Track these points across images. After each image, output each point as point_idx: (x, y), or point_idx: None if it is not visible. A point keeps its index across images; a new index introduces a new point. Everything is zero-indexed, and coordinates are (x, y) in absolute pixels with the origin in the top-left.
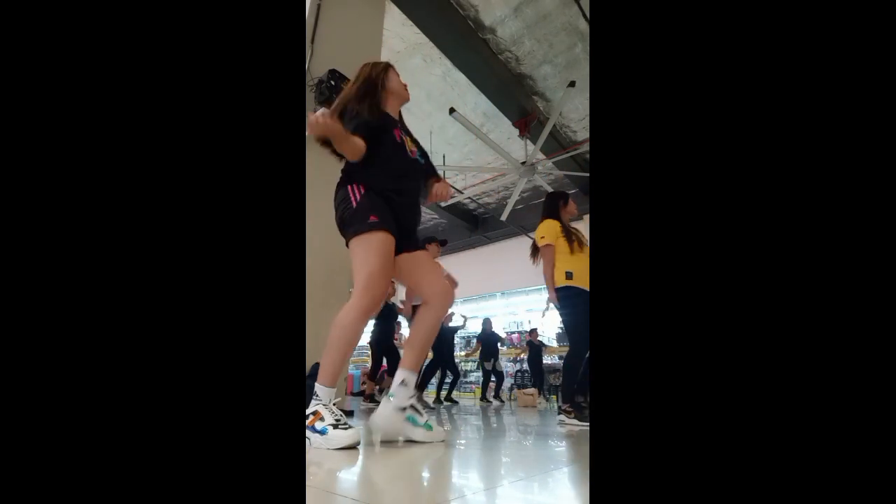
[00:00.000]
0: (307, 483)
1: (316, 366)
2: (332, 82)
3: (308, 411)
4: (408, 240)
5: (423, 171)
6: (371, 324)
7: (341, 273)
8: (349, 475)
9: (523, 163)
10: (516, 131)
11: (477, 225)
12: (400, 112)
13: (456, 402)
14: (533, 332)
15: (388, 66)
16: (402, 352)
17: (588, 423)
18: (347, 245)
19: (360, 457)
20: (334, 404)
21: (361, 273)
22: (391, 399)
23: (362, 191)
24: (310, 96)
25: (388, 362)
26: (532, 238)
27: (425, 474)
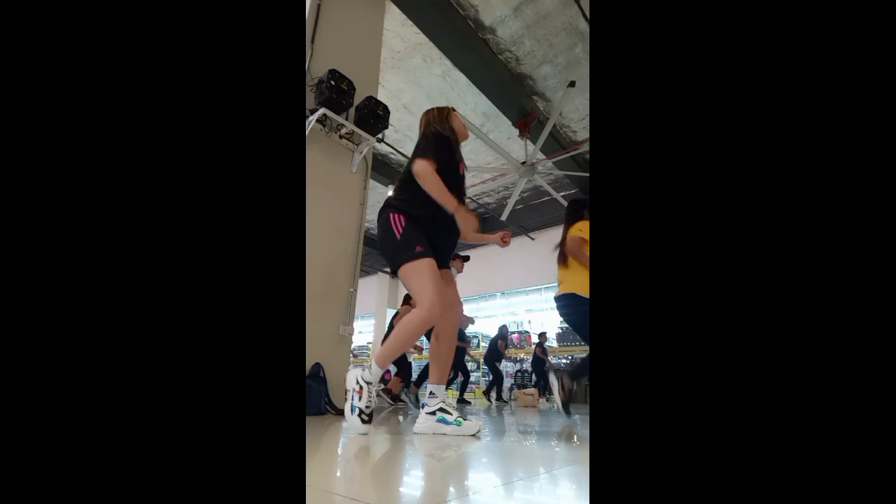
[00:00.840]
0: (307, 483)
1: (316, 366)
2: (332, 82)
3: (434, 408)
4: (442, 257)
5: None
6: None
7: (341, 273)
8: (350, 475)
9: (523, 163)
10: (516, 131)
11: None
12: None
13: (469, 403)
14: (542, 335)
15: (452, 110)
16: (409, 356)
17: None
18: (395, 271)
19: (361, 456)
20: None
21: (423, 297)
22: (423, 408)
23: (403, 221)
24: (310, 96)
25: (398, 367)
26: (533, 238)
27: (425, 474)
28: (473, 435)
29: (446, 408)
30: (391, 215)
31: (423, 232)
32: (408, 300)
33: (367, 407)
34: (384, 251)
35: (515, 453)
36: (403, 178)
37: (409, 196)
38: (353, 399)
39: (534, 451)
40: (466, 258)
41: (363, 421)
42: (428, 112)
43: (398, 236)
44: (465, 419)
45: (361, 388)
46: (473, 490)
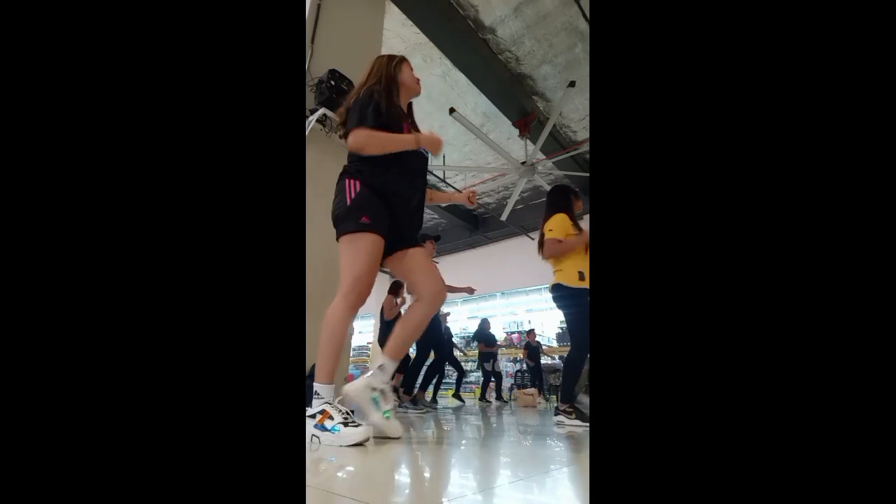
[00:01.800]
0: (307, 483)
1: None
2: (332, 82)
3: (314, 411)
4: (406, 239)
5: (426, 164)
6: (379, 327)
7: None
8: (349, 475)
9: (523, 163)
10: (516, 131)
11: (477, 225)
12: (410, 105)
13: (463, 402)
14: (530, 333)
15: (402, 60)
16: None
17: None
18: (337, 239)
19: (361, 457)
20: (338, 401)
21: (348, 272)
22: (367, 376)
23: (358, 187)
24: (310, 96)
25: (399, 366)
26: (533, 238)
27: (425, 474)
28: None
29: (387, 393)
30: (347, 181)
31: (378, 203)
32: (394, 288)
33: (345, 418)
34: (333, 217)
35: (515, 453)
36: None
37: (362, 164)
38: (324, 427)
39: (533, 451)
40: (437, 238)
41: (356, 425)
42: (376, 60)
43: (348, 202)
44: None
45: (323, 411)
46: (473, 490)
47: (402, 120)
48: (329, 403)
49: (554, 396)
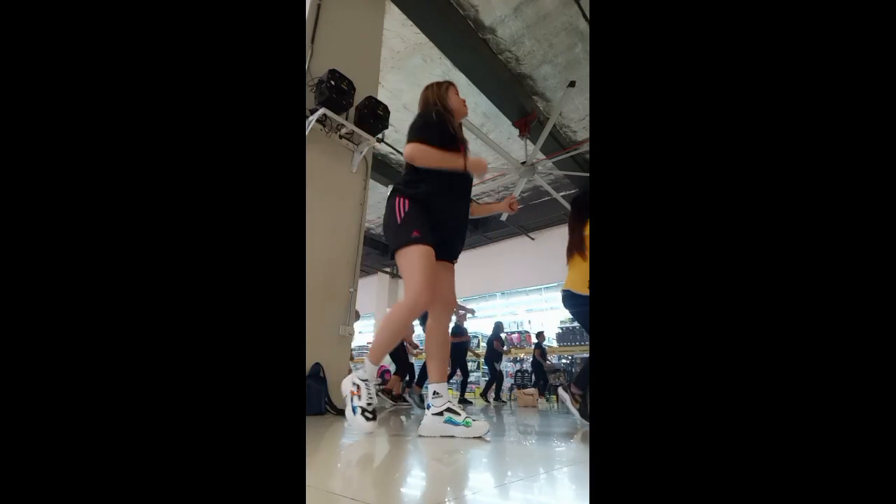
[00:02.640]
0: (307, 483)
1: (316, 366)
2: (332, 82)
3: (356, 381)
4: (447, 252)
5: (471, 184)
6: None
7: (341, 273)
8: (349, 475)
9: (523, 163)
10: (516, 131)
11: (477, 225)
12: (460, 125)
13: (470, 403)
14: (540, 334)
15: (450, 85)
16: (410, 357)
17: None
18: (391, 256)
19: (362, 456)
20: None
21: (411, 283)
22: (428, 409)
23: (407, 205)
24: (310, 96)
25: (397, 366)
26: (533, 238)
27: (425, 474)
28: (482, 437)
29: (454, 408)
30: (397, 199)
31: (426, 218)
32: None
33: (368, 404)
34: (386, 235)
35: (515, 453)
36: (406, 163)
37: (411, 178)
38: (352, 400)
39: (534, 451)
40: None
41: (367, 419)
42: (426, 89)
43: (399, 220)
44: (473, 419)
45: (358, 387)
46: (473, 490)
47: (459, 143)
48: (365, 381)
49: (554, 396)
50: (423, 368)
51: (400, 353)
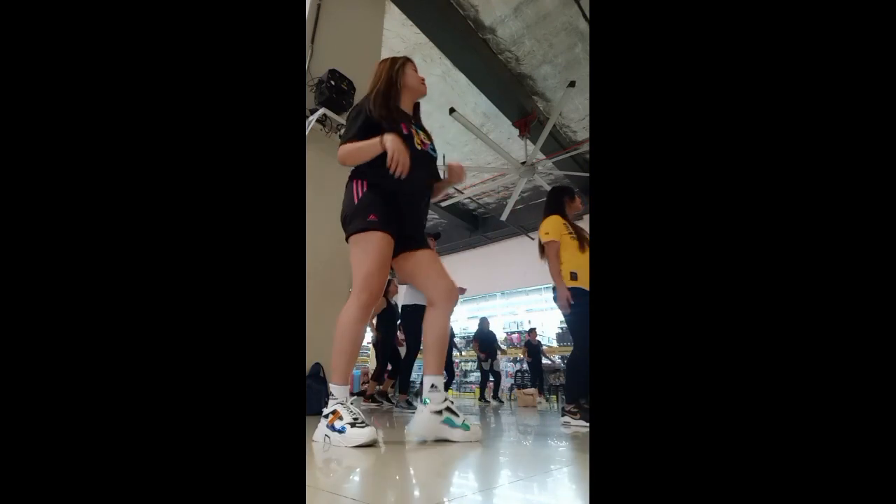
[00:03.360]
0: (307, 483)
1: (316, 366)
2: (332, 82)
3: (327, 411)
4: (411, 238)
5: (433, 164)
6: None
7: (341, 273)
8: (350, 475)
9: (523, 163)
10: (516, 131)
11: (477, 225)
12: (417, 104)
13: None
14: (531, 332)
15: (406, 61)
16: (401, 350)
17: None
18: (347, 240)
19: (362, 457)
20: (352, 403)
21: (359, 272)
22: (426, 405)
23: (365, 188)
24: (310, 96)
25: (390, 364)
26: (533, 238)
27: (426, 474)
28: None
29: (453, 408)
30: (354, 182)
31: (385, 202)
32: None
33: (355, 418)
34: (341, 218)
35: (515, 453)
36: None
37: (368, 165)
38: (333, 426)
39: (534, 451)
40: (437, 235)
41: (361, 427)
42: (378, 64)
43: (355, 201)
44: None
45: (335, 412)
46: (473, 490)
47: (399, 121)
48: (341, 404)
49: (554, 396)
50: (405, 371)
51: (395, 354)
